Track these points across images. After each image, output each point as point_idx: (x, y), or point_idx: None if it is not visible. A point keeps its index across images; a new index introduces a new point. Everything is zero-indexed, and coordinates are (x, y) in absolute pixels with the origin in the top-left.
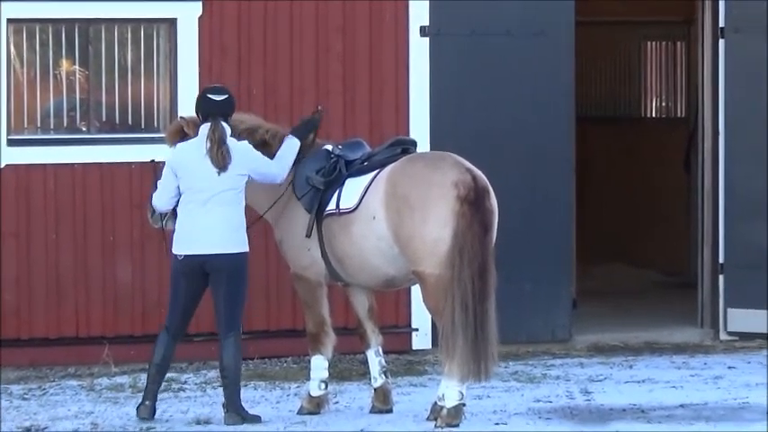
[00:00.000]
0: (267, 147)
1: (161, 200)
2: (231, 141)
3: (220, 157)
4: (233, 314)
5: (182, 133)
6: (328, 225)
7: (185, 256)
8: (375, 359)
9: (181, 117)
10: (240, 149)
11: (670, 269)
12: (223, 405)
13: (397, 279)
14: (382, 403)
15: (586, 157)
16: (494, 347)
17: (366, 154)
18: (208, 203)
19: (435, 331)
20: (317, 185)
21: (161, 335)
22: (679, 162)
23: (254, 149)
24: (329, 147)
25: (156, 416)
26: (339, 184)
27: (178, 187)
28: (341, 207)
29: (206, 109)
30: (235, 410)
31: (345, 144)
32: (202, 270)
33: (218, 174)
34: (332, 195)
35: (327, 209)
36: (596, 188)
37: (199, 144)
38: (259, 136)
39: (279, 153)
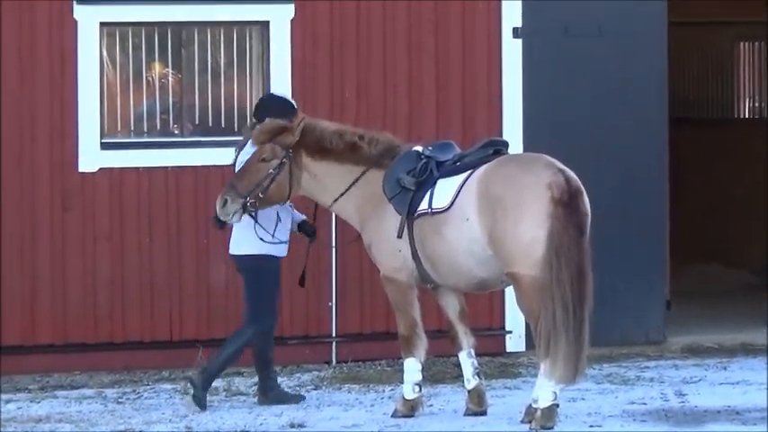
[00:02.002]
0: (356, 150)
1: None
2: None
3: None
4: (247, 312)
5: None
6: (420, 225)
7: None
8: (468, 361)
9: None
10: None
11: (764, 270)
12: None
13: (488, 281)
14: (476, 405)
15: (680, 157)
16: (587, 351)
17: (457, 155)
18: None
19: (529, 333)
20: (407, 186)
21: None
22: None
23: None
24: (419, 148)
25: (250, 419)
26: (431, 184)
27: None
28: (433, 207)
29: None
30: (198, 377)
31: (435, 145)
32: None
33: None
34: (423, 196)
35: (419, 209)
36: (690, 188)
37: None
38: (348, 137)
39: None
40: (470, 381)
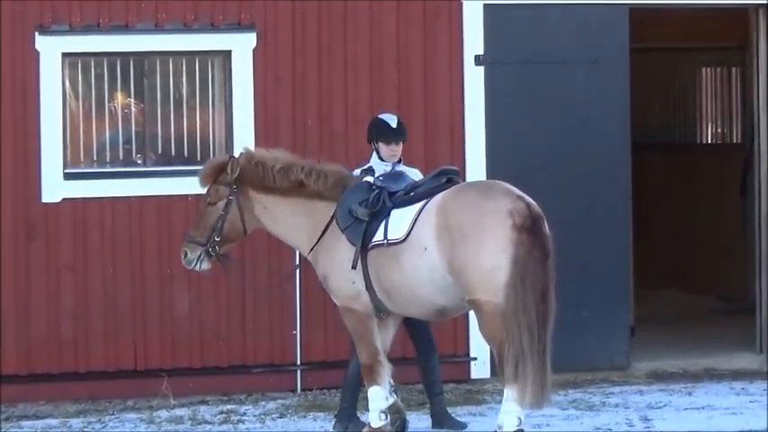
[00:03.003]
0: (303, 187)
1: None
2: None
3: None
4: None
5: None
6: (376, 257)
7: None
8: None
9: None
10: None
11: (727, 295)
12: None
13: (448, 309)
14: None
15: (642, 183)
16: (550, 374)
17: (410, 185)
18: None
19: (494, 360)
20: (360, 217)
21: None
22: (735, 187)
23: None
24: (370, 179)
25: None
26: (384, 215)
27: None
28: (389, 238)
29: None
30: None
31: (386, 175)
32: None
33: None
34: (378, 227)
35: (374, 240)
36: (652, 214)
37: None
38: (294, 176)
39: None
40: (388, 398)
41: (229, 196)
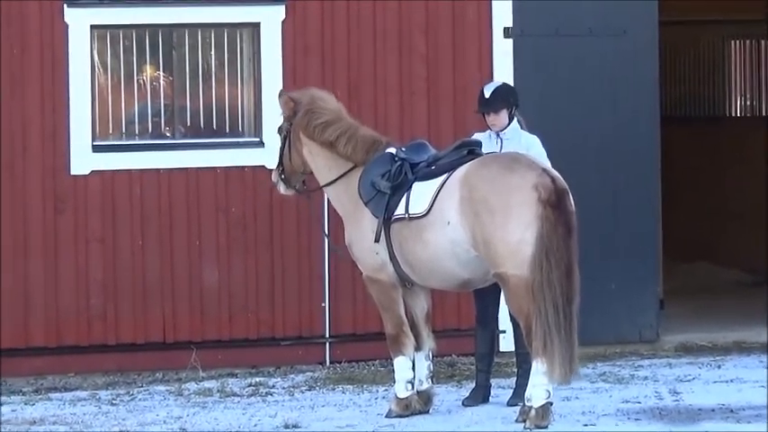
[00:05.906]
0: (333, 147)
1: None
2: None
3: None
4: None
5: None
6: (398, 230)
7: None
8: (425, 363)
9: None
10: None
11: (755, 268)
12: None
13: (472, 281)
14: (422, 405)
15: (670, 156)
16: (577, 349)
17: (431, 157)
18: None
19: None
20: (383, 190)
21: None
22: (763, 160)
23: None
24: (392, 150)
25: (244, 420)
26: (406, 188)
27: None
28: (410, 212)
29: None
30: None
31: (409, 146)
32: None
33: None
34: (399, 200)
35: (396, 213)
36: (680, 187)
37: None
38: (327, 134)
39: None
40: (423, 383)
41: (285, 131)
